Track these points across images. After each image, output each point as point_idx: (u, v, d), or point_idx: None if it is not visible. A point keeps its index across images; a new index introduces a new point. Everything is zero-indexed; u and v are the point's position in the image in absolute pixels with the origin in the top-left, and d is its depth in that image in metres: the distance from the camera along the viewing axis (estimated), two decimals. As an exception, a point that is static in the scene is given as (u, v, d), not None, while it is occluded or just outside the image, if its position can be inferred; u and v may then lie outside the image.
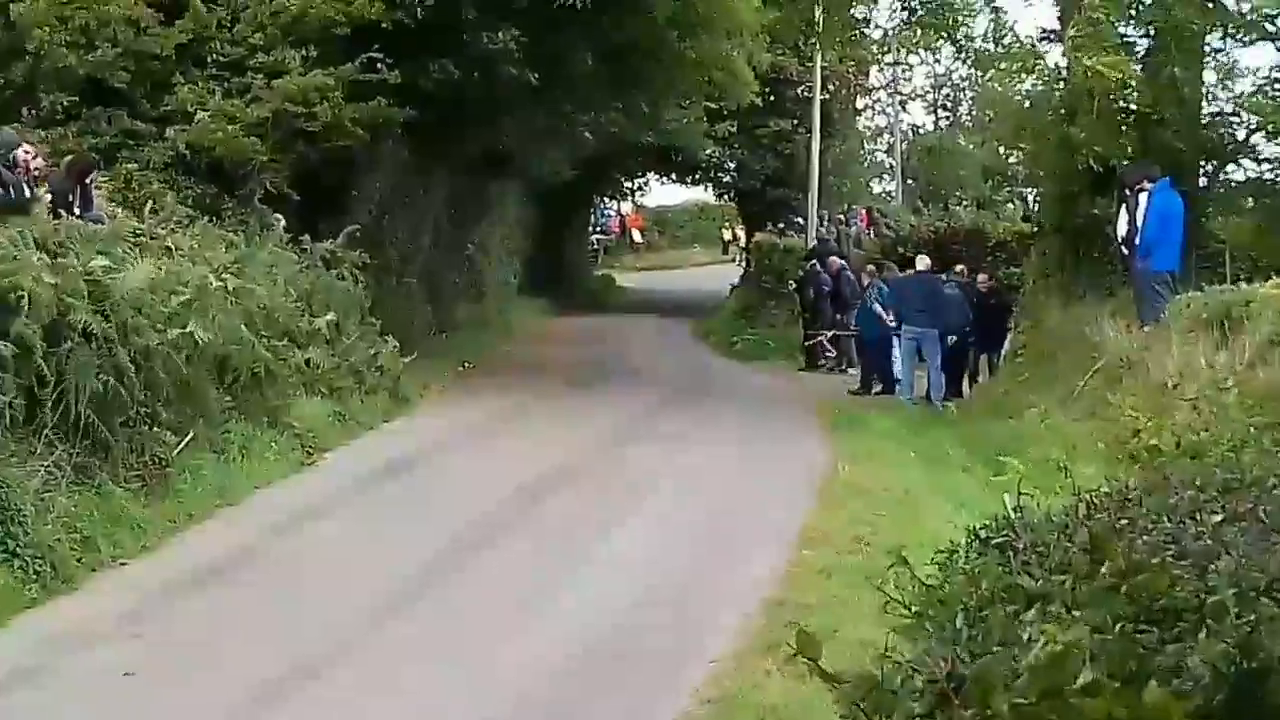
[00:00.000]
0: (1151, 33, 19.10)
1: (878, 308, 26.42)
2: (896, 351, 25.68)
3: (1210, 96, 20.34)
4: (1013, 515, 6.25)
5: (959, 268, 26.47)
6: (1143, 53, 19.61)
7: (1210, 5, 18.54)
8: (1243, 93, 20.13)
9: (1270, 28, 18.76)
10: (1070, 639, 3.42)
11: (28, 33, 19.34)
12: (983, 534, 6.29)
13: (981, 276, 26.09)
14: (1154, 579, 4.47)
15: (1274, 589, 4.33)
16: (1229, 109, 20.30)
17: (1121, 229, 18.15)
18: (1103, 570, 4.73)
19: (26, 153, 15.36)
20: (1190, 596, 4.26)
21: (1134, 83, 18.36)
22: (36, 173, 15.47)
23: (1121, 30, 19.47)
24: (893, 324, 25.38)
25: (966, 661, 3.71)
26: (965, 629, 4.91)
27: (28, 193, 14.63)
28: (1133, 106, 18.72)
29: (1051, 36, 21.47)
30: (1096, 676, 3.28)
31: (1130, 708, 3.19)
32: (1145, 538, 5.30)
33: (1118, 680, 3.33)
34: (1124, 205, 18.25)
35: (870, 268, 28.68)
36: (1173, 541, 5.19)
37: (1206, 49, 19.86)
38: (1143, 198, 17.78)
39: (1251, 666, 3.39)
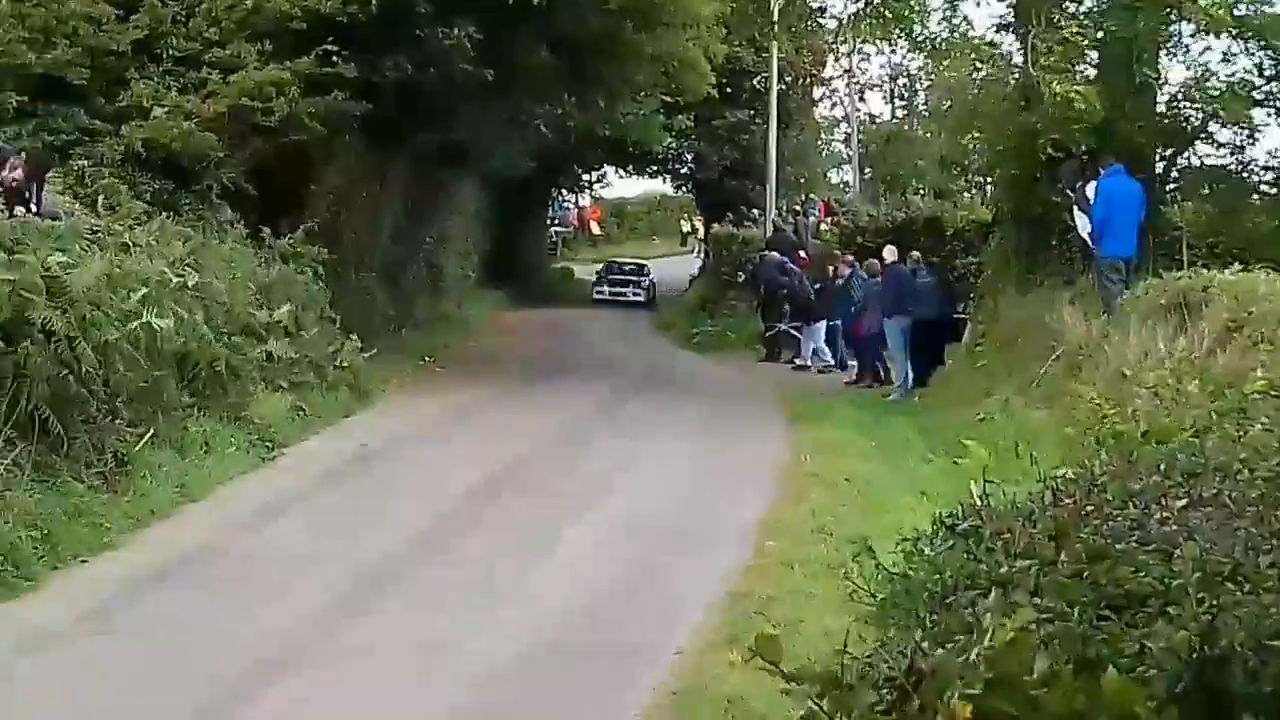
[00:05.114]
0: (1112, 30, 19.00)
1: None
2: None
3: (1166, 83, 20.33)
4: (978, 502, 6.25)
5: (914, 254, 26.12)
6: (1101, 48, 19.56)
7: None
8: (1193, 81, 20.15)
9: (1229, 17, 18.66)
10: (1022, 623, 3.41)
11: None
12: (948, 521, 6.29)
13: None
14: (1116, 565, 4.48)
15: (1238, 574, 4.34)
16: (1185, 95, 20.28)
17: (1083, 229, 18.12)
18: (1062, 557, 4.75)
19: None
20: (1154, 582, 4.27)
21: (1098, 105, 18.18)
22: (14, 184, 15.37)
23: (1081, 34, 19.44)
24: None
25: (927, 653, 3.70)
26: (928, 616, 4.91)
27: None
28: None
29: (1006, 27, 21.45)
30: (1053, 664, 3.27)
31: (1090, 696, 3.18)
32: (1110, 524, 5.31)
33: (1076, 667, 3.33)
34: (1075, 206, 18.27)
35: (849, 258, 28.56)
36: (1138, 527, 5.20)
37: (1162, 39, 19.85)
38: (1090, 189, 17.82)
39: (1212, 654, 3.39)
